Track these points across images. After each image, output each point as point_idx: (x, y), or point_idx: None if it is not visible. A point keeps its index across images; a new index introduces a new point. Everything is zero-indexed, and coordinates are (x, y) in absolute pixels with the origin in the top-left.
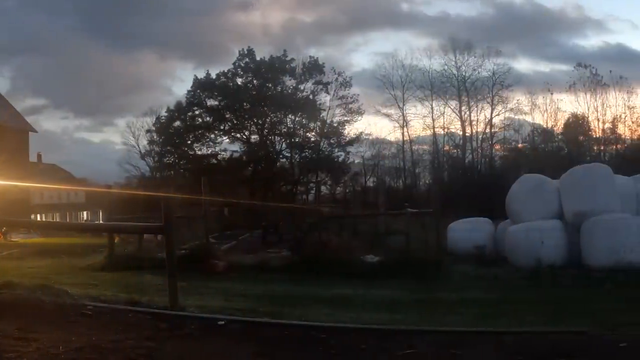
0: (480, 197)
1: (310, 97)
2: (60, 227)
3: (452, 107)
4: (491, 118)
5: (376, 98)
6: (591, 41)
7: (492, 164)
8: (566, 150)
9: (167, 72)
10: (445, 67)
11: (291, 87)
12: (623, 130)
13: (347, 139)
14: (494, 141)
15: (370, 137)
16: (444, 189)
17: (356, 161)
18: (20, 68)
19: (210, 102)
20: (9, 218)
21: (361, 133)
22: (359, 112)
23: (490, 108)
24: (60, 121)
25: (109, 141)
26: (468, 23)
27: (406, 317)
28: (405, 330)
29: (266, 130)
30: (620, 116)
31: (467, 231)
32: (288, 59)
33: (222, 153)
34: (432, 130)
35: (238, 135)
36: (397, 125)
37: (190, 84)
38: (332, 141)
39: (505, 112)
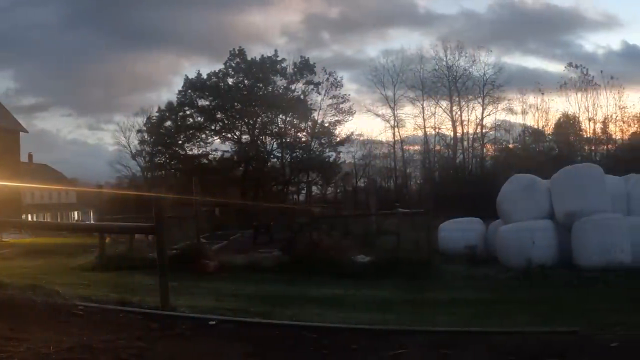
0: (471, 197)
1: (301, 97)
2: (51, 227)
3: (443, 107)
4: (482, 118)
5: (368, 98)
6: (582, 41)
7: (483, 164)
8: (557, 150)
9: (158, 72)
10: (437, 67)
11: (282, 87)
12: (614, 130)
13: (338, 139)
14: (485, 141)
15: (362, 138)
16: (435, 189)
17: (347, 161)
18: (11, 68)
19: (201, 102)
20: None
21: (352, 133)
22: (350, 112)
23: (481, 108)
24: (52, 121)
25: (101, 141)
26: (459, 23)
27: (397, 317)
28: (397, 330)
29: (257, 130)
30: (611, 116)
31: (458, 231)
32: (279, 59)
33: (213, 153)
34: (423, 131)
35: (229, 135)
36: (388, 125)
37: (182, 84)
38: (323, 141)
39: (496, 112)
